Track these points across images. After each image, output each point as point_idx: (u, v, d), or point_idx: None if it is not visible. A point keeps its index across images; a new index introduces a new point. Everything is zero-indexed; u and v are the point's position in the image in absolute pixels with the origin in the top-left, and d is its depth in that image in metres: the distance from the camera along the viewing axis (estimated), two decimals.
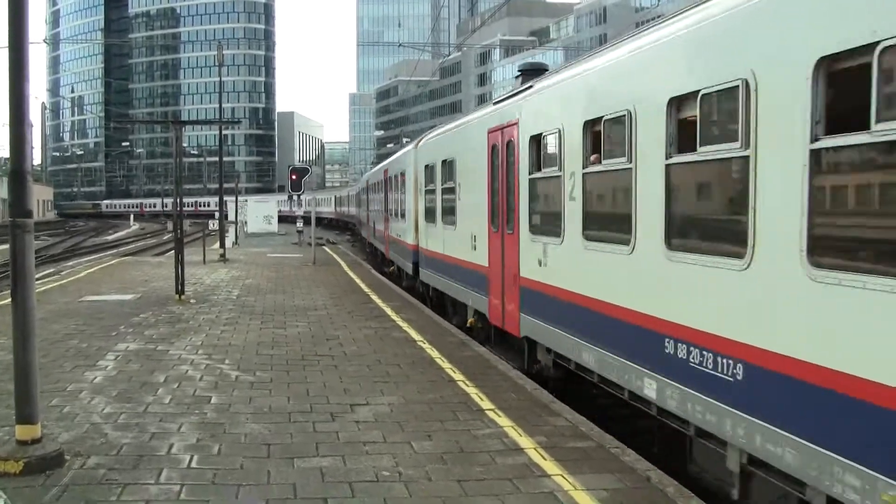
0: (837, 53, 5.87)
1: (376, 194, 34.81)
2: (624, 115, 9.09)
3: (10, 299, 7.88)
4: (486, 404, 10.41)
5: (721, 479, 7.72)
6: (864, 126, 5.57)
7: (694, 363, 7.62)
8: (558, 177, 11.21)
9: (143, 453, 8.18)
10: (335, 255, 39.44)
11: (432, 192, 20.19)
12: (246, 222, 66.10)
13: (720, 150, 7.31)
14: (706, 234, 7.84)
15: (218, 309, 19.20)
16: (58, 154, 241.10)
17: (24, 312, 7.75)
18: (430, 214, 20.75)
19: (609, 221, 9.91)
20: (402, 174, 25.40)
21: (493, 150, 14.69)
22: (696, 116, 7.69)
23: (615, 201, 9.88)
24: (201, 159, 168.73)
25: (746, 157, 6.84)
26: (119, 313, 18.30)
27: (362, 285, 24.86)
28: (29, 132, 7.79)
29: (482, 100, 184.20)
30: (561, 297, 11.16)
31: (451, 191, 18.01)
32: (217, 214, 41.73)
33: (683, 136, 7.98)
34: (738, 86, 6.94)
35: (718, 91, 7.33)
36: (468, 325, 16.61)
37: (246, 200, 78.10)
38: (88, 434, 8.84)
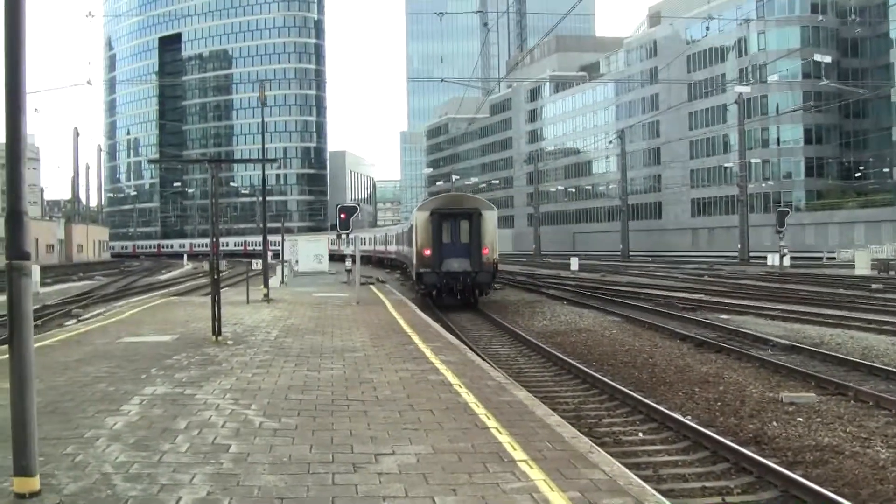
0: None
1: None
2: (411, 225, 43.30)
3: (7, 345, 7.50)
4: (518, 454, 9.81)
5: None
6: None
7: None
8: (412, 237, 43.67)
9: None
10: (381, 294, 39.08)
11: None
12: (297, 261, 66.26)
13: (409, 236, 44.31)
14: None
15: (253, 350, 18.79)
16: (112, 195, 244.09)
17: (21, 360, 7.33)
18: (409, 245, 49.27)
19: (411, 244, 43.56)
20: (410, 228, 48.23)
21: (412, 226, 42.47)
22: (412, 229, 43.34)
23: (412, 241, 42.25)
24: (254, 199, 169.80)
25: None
26: (153, 355, 17.97)
27: (405, 325, 24.39)
28: (24, 170, 7.36)
29: (533, 136, 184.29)
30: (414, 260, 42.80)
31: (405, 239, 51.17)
32: (263, 254, 41.69)
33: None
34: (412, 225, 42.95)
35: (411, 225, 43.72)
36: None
37: (296, 240, 78.25)
38: (96, 485, 8.38)
